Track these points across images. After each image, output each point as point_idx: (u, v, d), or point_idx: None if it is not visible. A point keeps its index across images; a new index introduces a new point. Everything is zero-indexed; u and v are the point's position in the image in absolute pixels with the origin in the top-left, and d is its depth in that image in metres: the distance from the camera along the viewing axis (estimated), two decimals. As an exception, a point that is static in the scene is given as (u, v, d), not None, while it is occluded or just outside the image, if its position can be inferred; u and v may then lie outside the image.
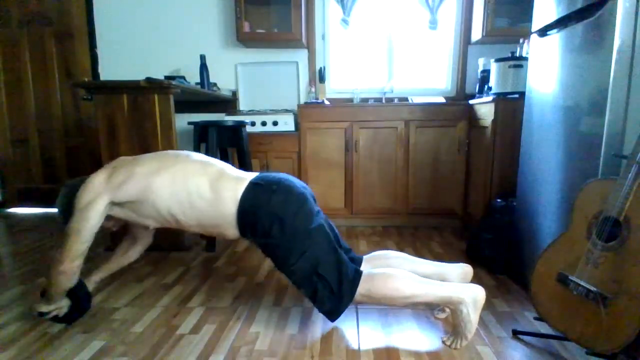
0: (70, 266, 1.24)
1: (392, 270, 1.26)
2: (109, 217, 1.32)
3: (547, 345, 1.25)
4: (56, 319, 1.35)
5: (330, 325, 1.39)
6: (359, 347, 1.25)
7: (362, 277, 1.24)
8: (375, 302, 1.24)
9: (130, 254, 1.56)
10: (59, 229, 2.71)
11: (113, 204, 1.26)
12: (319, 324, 1.40)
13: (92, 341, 1.30)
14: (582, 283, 1.09)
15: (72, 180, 1.36)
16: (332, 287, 1.21)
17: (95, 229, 1.24)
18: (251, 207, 1.21)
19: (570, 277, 1.13)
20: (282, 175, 1.31)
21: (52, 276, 1.25)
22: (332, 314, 1.25)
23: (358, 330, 1.36)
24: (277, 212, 1.20)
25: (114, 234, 2.19)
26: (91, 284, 1.47)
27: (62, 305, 1.33)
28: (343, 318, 1.44)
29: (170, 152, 1.35)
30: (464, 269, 1.41)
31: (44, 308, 1.31)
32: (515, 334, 1.31)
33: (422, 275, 1.36)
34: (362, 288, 1.23)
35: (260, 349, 1.24)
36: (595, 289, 1.06)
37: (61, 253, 1.22)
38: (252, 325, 1.40)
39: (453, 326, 1.26)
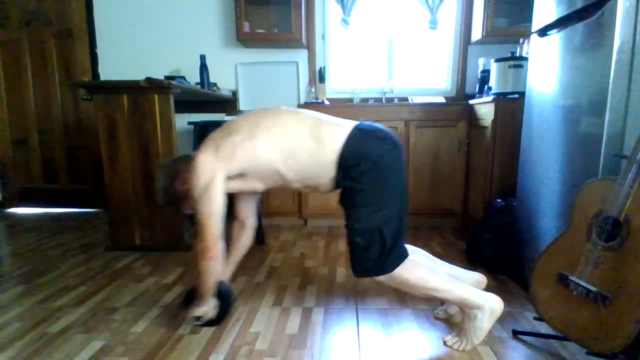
0: (216, 250, 1.24)
1: (422, 261, 1.28)
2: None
3: (547, 345, 1.25)
4: (208, 323, 1.36)
5: (330, 325, 1.39)
6: (359, 347, 1.25)
7: None
8: (397, 284, 1.24)
9: (244, 238, 1.55)
10: (58, 229, 2.71)
11: (229, 177, 1.24)
12: (319, 324, 1.40)
13: (92, 341, 1.30)
14: (582, 283, 1.09)
15: (163, 164, 1.35)
16: (383, 251, 1.20)
17: (223, 206, 1.24)
18: (355, 151, 1.19)
19: (570, 277, 1.13)
20: (387, 129, 1.29)
21: (202, 271, 1.24)
22: (365, 272, 1.24)
23: (358, 330, 1.36)
24: (379, 160, 1.18)
25: (114, 233, 2.19)
26: (225, 279, 1.46)
27: (213, 305, 1.34)
28: (343, 318, 1.44)
29: (257, 111, 1.31)
30: (478, 278, 1.42)
31: (199, 311, 1.31)
32: (515, 334, 1.31)
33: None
34: (398, 267, 1.22)
35: (260, 349, 1.24)
36: (595, 289, 1.06)
37: (203, 241, 1.22)
38: (252, 325, 1.40)
39: (460, 328, 1.26)
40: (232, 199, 1.42)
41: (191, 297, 1.36)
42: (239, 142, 1.22)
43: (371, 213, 1.20)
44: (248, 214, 1.54)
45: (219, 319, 1.38)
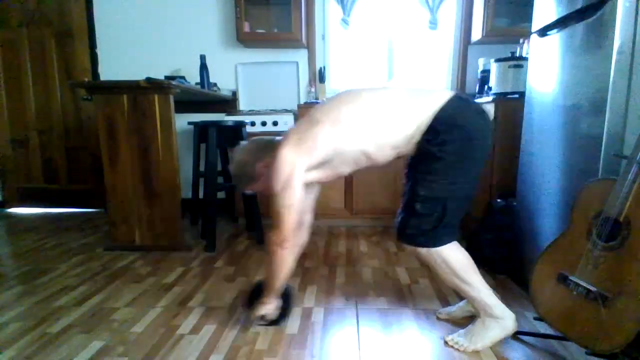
0: (294, 240, 1.24)
1: (468, 255, 1.27)
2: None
3: (547, 345, 1.25)
4: (271, 322, 1.36)
5: (330, 325, 1.39)
6: (359, 347, 1.25)
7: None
8: (434, 263, 1.22)
9: (301, 236, 1.47)
10: (58, 229, 2.71)
11: (309, 169, 1.23)
12: (319, 324, 1.40)
13: (92, 341, 1.30)
14: (582, 283, 1.09)
15: (250, 141, 1.34)
16: (439, 224, 1.19)
17: (302, 200, 1.23)
18: (450, 116, 1.15)
19: (570, 277, 1.13)
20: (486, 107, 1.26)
21: (278, 262, 1.24)
22: (411, 238, 1.22)
23: (358, 330, 1.36)
24: (471, 132, 1.15)
25: (114, 233, 2.19)
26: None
27: (277, 304, 1.34)
28: (343, 318, 1.44)
29: (339, 97, 1.27)
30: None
31: (266, 309, 1.31)
32: (516, 334, 1.31)
33: None
34: (447, 246, 1.22)
35: (260, 349, 1.24)
36: (595, 289, 1.06)
37: (281, 231, 1.21)
38: (252, 325, 1.40)
39: (468, 330, 1.26)
40: None
41: (255, 296, 1.35)
42: (321, 133, 1.19)
43: (441, 184, 1.17)
44: (305, 209, 1.49)
45: (281, 318, 1.37)
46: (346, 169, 1.28)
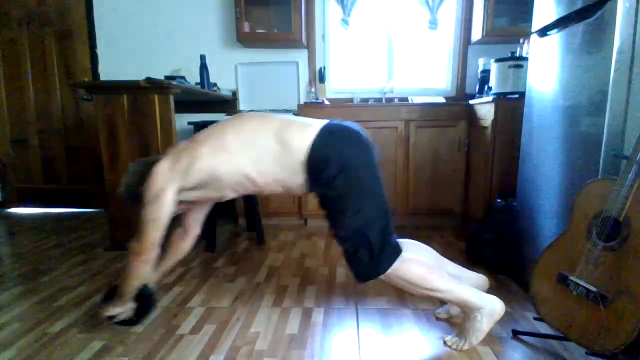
0: (150, 255, 1.24)
1: (424, 260, 1.26)
2: (180, 202, 1.30)
3: (547, 345, 1.25)
4: (122, 322, 1.34)
5: (330, 325, 1.39)
6: (359, 348, 1.25)
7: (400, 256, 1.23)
8: (397, 283, 1.23)
9: (182, 247, 1.53)
10: (58, 229, 2.71)
11: (185, 189, 1.24)
12: (319, 324, 1.40)
13: (92, 341, 1.30)
14: (582, 283, 1.09)
15: (136, 162, 1.34)
16: (374, 252, 1.19)
17: (169, 216, 1.24)
18: (322, 154, 1.17)
19: (570, 277, 1.13)
20: (356, 126, 1.27)
21: (130, 271, 1.24)
22: (362, 276, 1.23)
23: (358, 331, 1.36)
24: (348, 161, 1.17)
25: (114, 233, 2.19)
26: (151, 284, 1.43)
27: (129, 307, 1.32)
28: (343, 318, 1.44)
29: (223, 122, 1.30)
30: (482, 280, 1.42)
31: (113, 311, 1.30)
32: (515, 334, 1.31)
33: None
34: (396, 264, 1.21)
35: (260, 349, 1.24)
36: (595, 289, 1.06)
37: (140, 243, 1.22)
38: (252, 325, 1.40)
39: (460, 328, 1.26)
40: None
41: (112, 294, 1.33)
42: (200, 156, 1.21)
43: (350, 217, 1.19)
44: (193, 223, 1.52)
45: (133, 322, 1.35)
46: (230, 193, 1.29)
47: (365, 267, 1.21)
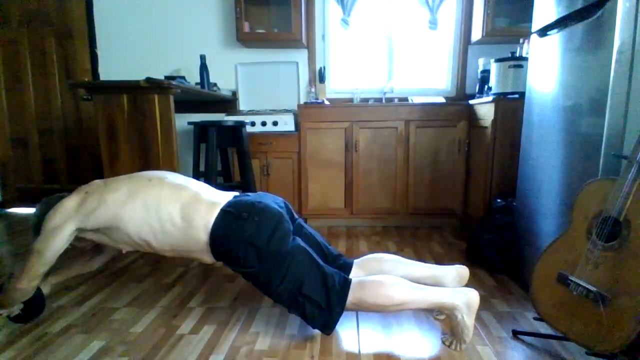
0: (27, 286, 1.24)
1: (383, 277, 1.23)
2: (81, 239, 1.33)
3: (547, 346, 1.25)
4: (14, 319, 1.36)
5: (330, 325, 1.39)
6: (359, 348, 1.25)
7: (352, 286, 1.21)
8: (366, 309, 1.22)
9: (92, 263, 1.56)
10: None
11: (84, 229, 1.26)
12: (319, 324, 1.40)
13: (92, 341, 1.30)
14: (582, 283, 1.09)
15: (51, 197, 1.36)
16: (320, 303, 1.20)
17: (57, 253, 1.23)
18: (223, 236, 1.20)
19: (570, 277, 1.13)
20: (255, 198, 1.29)
21: (8, 289, 1.25)
22: (326, 328, 1.23)
23: (358, 331, 1.36)
24: (250, 240, 1.18)
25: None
26: (47, 285, 1.46)
27: (13, 310, 1.33)
28: (343, 319, 1.43)
29: (144, 174, 1.33)
30: (459, 271, 1.40)
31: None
32: (515, 334, 1.31)
33: (417, 279, 1.35)
34: (352, 297, 1.20)
35: (260, 349, 1.24)
36: (595, 289, 1.06)
37: (21, 271, 1.22)
38: (252, 325, 1.40)
39: (450, 329, 1.26)
40: None
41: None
42: (105, 202, 1.22)
43: (282, 285, 1.20)
44: (105, 250, 1.58)
45: (18, 320, 1.36)
46: (126, 247, 1.30)
47: (321, 319, 1.21)
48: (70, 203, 1.25)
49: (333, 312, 1.20)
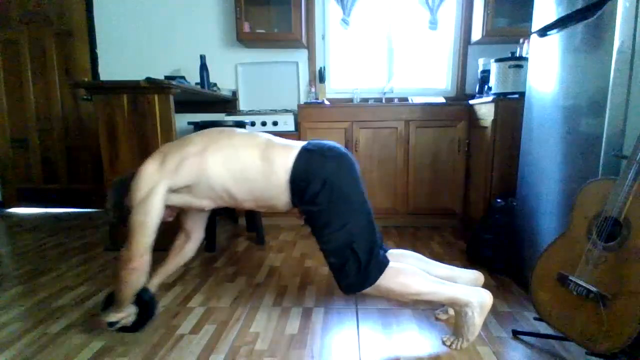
0: (140, 262, 1.20)
1: (404, 266, 1.26)
2: (165, 207, 1.27)
3: (547, 346, 1.25)
4: (124, 329, 1.33)
5: (331, 325, 1.39)
6: (359, 348, 1.25)
7: None
8: (382, 294, 1.24)
9: (186, 251, 1.51)
10: (58, 229, 2.71)
11: (170, 191, 1.22)
12: (319, 324, 1.40)
13: (92, 341, 1.30)
14: (582, 283, 1.09)
15: (119, 177, 1.33)
16: (361, 265, 1.20)
17: (159, 219, 1.20)
18: (304, 172, 1.19)
19: (570, 277, 1.13)
20: (334, 143, 1.29)
21: (121, 279, 1.21)
22: (351, 289, 1.23)
23: (358, 331, 1.36)
24: (329, 177, 1.18)
25: (113, 233, 2.19)
26: (152, 288, 1.42)
27: (130, 312, 1.30)
28: (343, 318, 1.44)
29: (212, 129, 1.32)
30: (476, 275, 1.41)
31: (113, 317, 1.28)
32: (515, 334, 1.31)
33: (434, 275, 1.35)
34: (380, 277, 1.22)
35: (260, 349, 1.24)
36: (595, 289, 1.06)
37: (129, 250, 1.19)
38: (252, 325, 1.40)
39: (455, 327, 1.26)
40: (180, 209, 1.40)
41: (111, 300, 1.31)
42: (188, 156, 1.20)
43: (336, 231, 1.20)
44: (194, 227, 1.51)
45: (135, 327, 1.33)
46: (208, 203, 1.28)
47: (354, 279, 1.22)
48: (151, 167, 1.21)
49: (366, 280, 1.21)
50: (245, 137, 1.27)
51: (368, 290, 1.23)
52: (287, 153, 1.22)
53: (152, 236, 1.20)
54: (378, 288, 1.22)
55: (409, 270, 1.24)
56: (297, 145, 1.26)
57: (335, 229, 1.20)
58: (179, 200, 1.26)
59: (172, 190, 1.23)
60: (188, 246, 1.51)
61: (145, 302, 1.34)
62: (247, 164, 1.21)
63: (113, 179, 1.35)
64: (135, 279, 1.21)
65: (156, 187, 1.18)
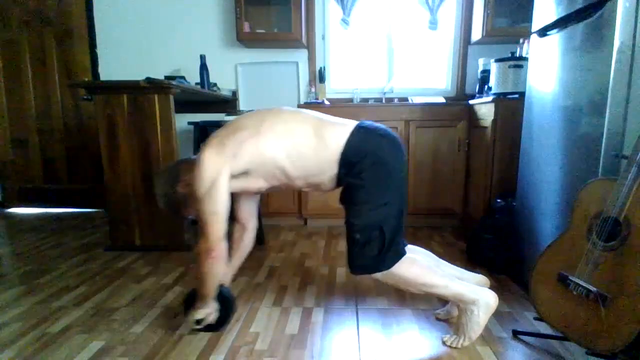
0: (220, 249, 1.21)
1: (419, 257, 1.28)
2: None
3: (547, 346, 1.25)
4: (208, 328, 1.33)
5: (330, 325, 1.39)
6: (359, 347, 1.25)
7: None
8: (393, 282, 1.25)
9: (245, 242, 1.52)
10: (58, 229, 2.71)
11: (232, 174, 1.22)
12: (319, 324, 1.40)
13: (92, 341, 1.30)
14: (582, 283, 1.09)
15: (162, 169, 1.32)
16: (382, 248, 1.21)
17: (228, 205, 1.21)
18: (357, 148, 1.20)
19: (570, 277, 1.13)
20: (385, 127, 1.30)
21: (205, 271, 1.22)
22: (363, 269, 1.24)
23: (358, 331, 1.36)
24: (383, 156, 1.20)
25: (113, 233, 2.19)
26: (226, 284, 1.43)
27: (215, 307, 1.31)
28: (343, 318, 1.44)
29: (259, 110, 1.31)
30: (482, 279, 1.42)
31: (201, 313, 1.28)
32: (516, 334, 1.31)
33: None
34: (394, 265, 1.23)
35: (260, 349, 1.24)
36: (595, 289, 1.06)
37: (207, 241, 1.19)
38: (252, 325, 1.40)
39: (457, 325, 1.26)
40: (232, 201, 1.40)
41: (192, 299, 1.33)
42: (244, 139, 1.20)
43: (371, 209, 1.20)
44: (249, 216, 1.52)
45: (220, 324, 1.34)
46: (264, 184, 1.28)
47: (371, 260, 1.22)
48: (210, 155, 1.19)
49: (381, 264, 1.22)
50: (294, 114, 1.28)
51: (378, 275, 1.24)
52: (341, 129, 1.23)
53: (225, 223, 1.22)
54: (390, 275, 1.23)
55: (423, 262, 1.27)
56: (351, 123, 1.27)
57: (372, 207, 1.20)
58: (237, 185, 1.26)
59: (234, 176, 1.22)
60: (247, 236, 1.52)
61: (225, 297, 1.35)
62: (300, 141, 1.21)
63: (160, 167, 1.34)
64: (218, 268, 1.23)
65: (220, 174, 1.18)
